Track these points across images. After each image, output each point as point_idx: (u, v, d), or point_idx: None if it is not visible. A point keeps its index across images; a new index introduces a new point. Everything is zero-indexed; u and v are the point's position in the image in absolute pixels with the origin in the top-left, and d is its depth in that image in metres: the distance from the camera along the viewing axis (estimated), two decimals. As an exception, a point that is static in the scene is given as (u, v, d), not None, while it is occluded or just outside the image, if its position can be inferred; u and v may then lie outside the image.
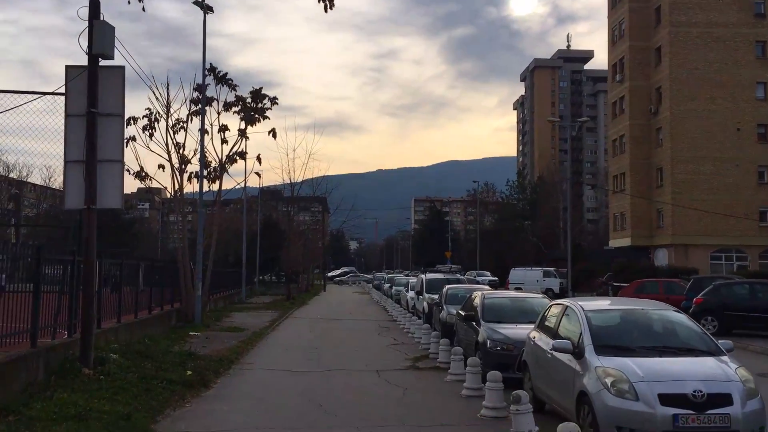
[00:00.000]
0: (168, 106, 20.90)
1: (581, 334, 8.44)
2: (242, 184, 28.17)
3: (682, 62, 52.88)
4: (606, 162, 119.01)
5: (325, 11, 7.90)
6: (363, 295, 51.89)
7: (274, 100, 22.42)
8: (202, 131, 21.48)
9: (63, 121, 10.77)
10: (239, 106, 21.96)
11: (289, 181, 41.76)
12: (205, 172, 22.17)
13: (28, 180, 73.87)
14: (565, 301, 9.88)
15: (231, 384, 11.43)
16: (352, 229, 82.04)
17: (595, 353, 7.96)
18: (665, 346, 8.16)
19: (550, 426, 8.26)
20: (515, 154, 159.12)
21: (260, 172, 46.51)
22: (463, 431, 8.35)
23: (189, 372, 11.19)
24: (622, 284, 35.96)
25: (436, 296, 22.49)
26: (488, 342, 12.49)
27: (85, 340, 10.45)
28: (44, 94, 10.73)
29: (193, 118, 21.90)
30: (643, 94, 56.53)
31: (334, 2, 7.95)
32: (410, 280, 35.02)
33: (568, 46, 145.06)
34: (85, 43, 10.52)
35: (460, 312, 15.44)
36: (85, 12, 10.55)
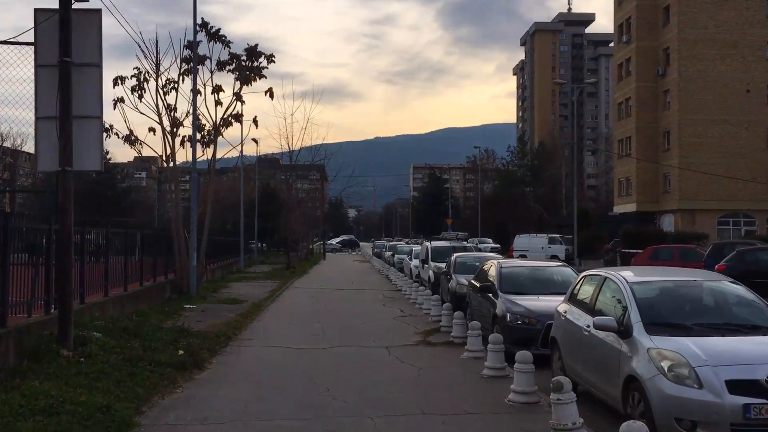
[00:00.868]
0: (157, 65, 19.62)
1: (626, 309, 7.36)
2: (239, 149, 26.89)
3: (690, 22, 51.25)
4: (607, 127, 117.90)
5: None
6: (364, 264, 50.93)
7: (270, 58, 21.04)
8: (194, 91, 20.18)
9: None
10: (234, 65, 20.62)
11: (287, 148, 40.43)
12: (198, 136, 20.92)
13: (23, 149, 72.56)
14: (601, 271, 8.79)
15: (228, 364, 10.38)
16: (351, 196, 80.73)
17: (645, 332, 6.88)
18: (726, 324, 7.09)
19: (591, 413, 7.26)
20: (514, 121, 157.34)
21: (257, 139, 45.02)
22: (491, 422, 7.28)
23: (181, 352, 10.13)
24: (632, 251, 34.91)
25: (442, 265, 21.50)
26: (508, 315, 11.45)
27: (63, 318, 9.35)
28: (7, 43, 9.47)
29: (185, 77, 20.60)
30: (650, 56, 54.99)
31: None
32: (413, 248, 34.01)
33: (569, 9, 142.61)
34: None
35: (474, 282, 14.39)
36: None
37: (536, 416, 7.39)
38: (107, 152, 73.49)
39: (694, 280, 7.98)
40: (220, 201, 55.16)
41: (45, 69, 9.48)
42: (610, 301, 7.98)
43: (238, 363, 10.53)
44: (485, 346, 10.97)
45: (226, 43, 20.61)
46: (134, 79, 19.76)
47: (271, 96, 21.12)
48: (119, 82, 19.66)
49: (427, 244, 25.79)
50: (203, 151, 21.34)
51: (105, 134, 19.83)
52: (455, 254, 19.99)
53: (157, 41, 20.18)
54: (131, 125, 33.10)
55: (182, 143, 20.85)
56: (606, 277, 8.31)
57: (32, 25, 9.57)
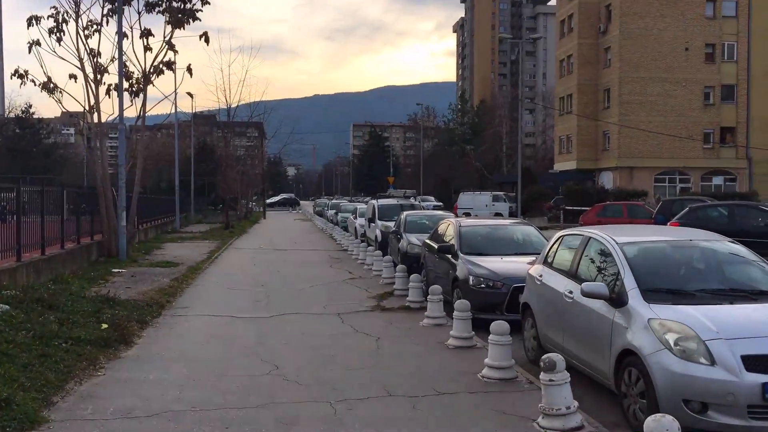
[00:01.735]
0: (77, 3, 17.69)
1: (617, 274, 6.49)
2: (172, 98, 25.01)
3: (632, -23, 50.91)
4: (545, 86, 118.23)
5: None
6: (305, 222, 49.62)
7: (205, 1, 19.29)
8: (120, 33, 18.30)
9: None
10: (164, 5, 18.79)
11: (225, 102, 38.44)
12: (126, 85, 19.12)
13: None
14: (583, 230, 7.90)
15: (160, 339, 9.16)
16: (290, 154, 78.79)
17: (643, 300, 6.03)
18: (733, 290, 6.30)
19: (575, 390, 6.42)
20: (455, 80, 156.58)
21: (192, 94, 42.71)
22: (468, 404, 6.35)
23: (105, 325, 8.83)
24: (575, 208, 34.77)
25: (390, 224, 20.53)
26: (470, 278, 10.55)
27: (-39, 290, 7.94)
28: None
29: (109, 19, 18.73)
30: (592, 12, 54.74)
31: None
32: (357, 206, 32.92)
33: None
34: None
35: (430, 243, 13.46)
36: None
37: (517, 396, 6.52)
38: (29, 105, 69.11)
39: (689, 240, 7.13)
40: (154, 158, 52.65)
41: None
42: (596, 264, 7.12)
43: (172, 337, 9.31)
44: (446, 312, 10.13)
45: (155, -20, 18.76)
46: (51, 19, 17.90)
47: (207, 41, 19.38)
48: (34, 22, 17.72)
49: (374, 202, 24.72)
50: (132, 101, 19.59)
51: (21, 81, 17.95)
52: (405, 212, 19.01)
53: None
54: (49, 72, 30.59)
55: (108, 92, 19.06)
56: (590, 237, 7.42)
57: None
